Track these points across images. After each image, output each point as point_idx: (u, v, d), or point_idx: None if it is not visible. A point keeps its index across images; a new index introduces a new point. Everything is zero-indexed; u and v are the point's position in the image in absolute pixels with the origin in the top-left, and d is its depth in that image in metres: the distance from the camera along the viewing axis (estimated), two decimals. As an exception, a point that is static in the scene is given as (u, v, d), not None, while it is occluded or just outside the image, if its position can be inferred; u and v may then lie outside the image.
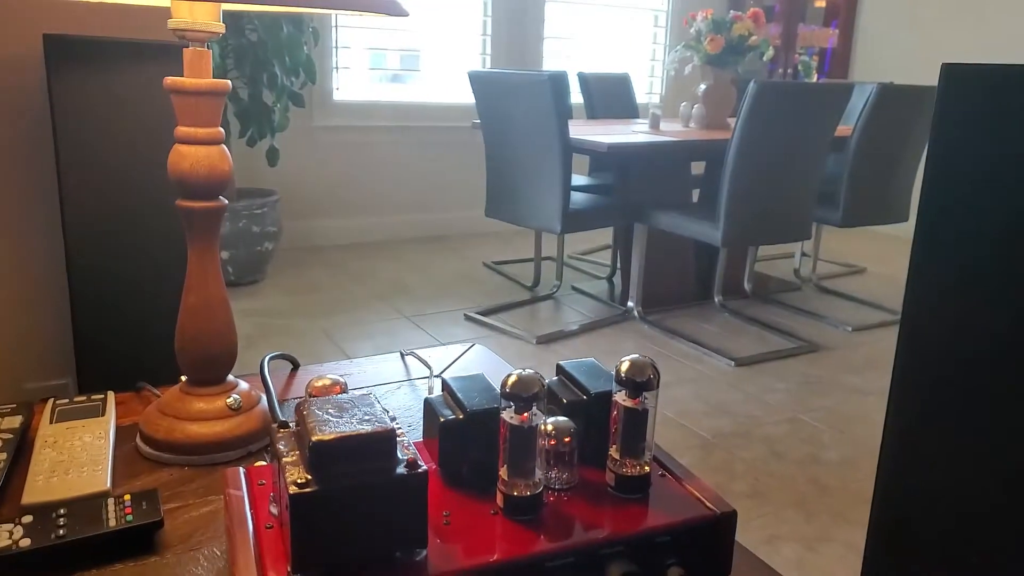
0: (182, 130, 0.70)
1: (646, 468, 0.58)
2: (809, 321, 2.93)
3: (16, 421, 0.75)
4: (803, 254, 3.54)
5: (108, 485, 0.65)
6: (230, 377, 0.77)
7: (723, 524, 0.56)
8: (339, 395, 0.53)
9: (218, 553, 0.59)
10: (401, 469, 0.48)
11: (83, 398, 0.79)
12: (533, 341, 2.63)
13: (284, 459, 0.49)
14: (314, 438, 0.47)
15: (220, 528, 0.62)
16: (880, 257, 3.93)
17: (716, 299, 3.00)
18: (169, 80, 0.69)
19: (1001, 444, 0.71)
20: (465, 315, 2.88)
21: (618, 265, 3.32)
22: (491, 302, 3.03)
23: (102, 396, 0.80)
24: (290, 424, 0.53)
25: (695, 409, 2.20)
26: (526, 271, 3.42)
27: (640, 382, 0.56)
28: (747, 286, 3.18)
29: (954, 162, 0.71)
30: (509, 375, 0.55)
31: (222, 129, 0.72)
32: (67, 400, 0.79)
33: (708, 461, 1.89)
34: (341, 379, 0.62)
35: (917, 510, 0.78)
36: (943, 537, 0.76)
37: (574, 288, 3.26)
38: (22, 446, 0.71)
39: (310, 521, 0.46)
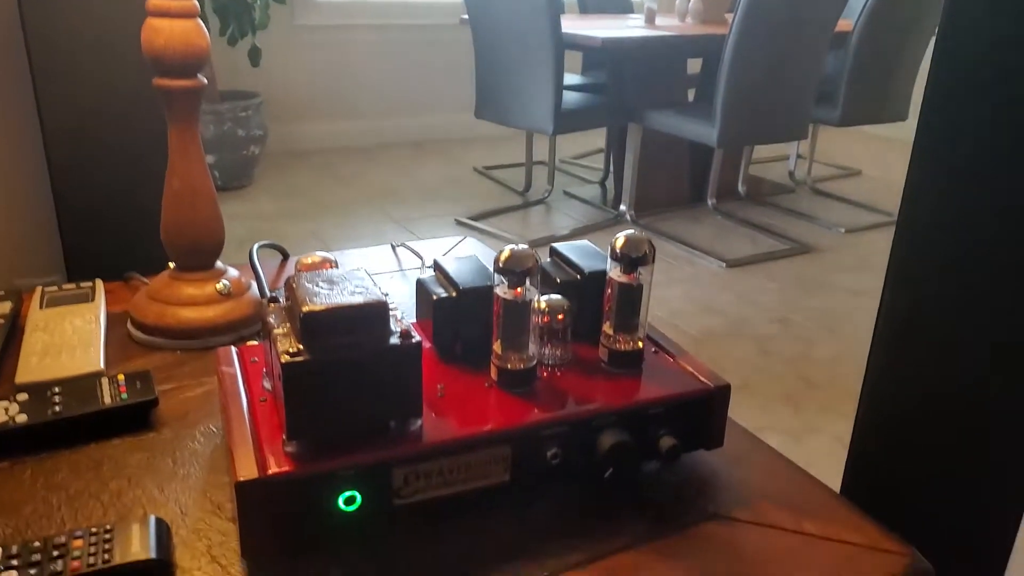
0: (154, 2, 0.66)
1: (639, 344, 0.58)
2: (802, 223, 2.92)
3: (6, 307, 0.74)
4: (798, 156, 3.50)
5: (101, 365, 0.65)
6: (219, 264, 0.76)
7: (717, 398, 0.57)
8: (330, 270, 0.52)
9: (214, 430, 0.60)
10: (394, 340, 0.48)
11: (72, 286, 0.78)
12: (525, 246, 2.61)
13: (275, 331, 0.49)
14: (304, 309, 0.47)
15: (215, 407, 0.63)
16: (875, 160, 3.89)
17: (709, 202, 2.98)
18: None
19: (985, 339, 0.72)
20: (456, 220, 2.86)
21: (611, 169, 3.27)
22: (482, 207, 3.00)
23: (91, 284, 0.79)
24: (280, 299, 0.53)
25: (686, 309, 2.22)
26: (517, 176, 3.37)
27: (635, 257, 0.56)
28: (741, 188, 3.16)
29: (962, 44, 0.68)
30: (502, 250, 0.54)
31: (196, 2, 0.68)
32: (56, 288, 0.78)
33: (698, 359, 1.92)
34: (331, 256, 0.61)
35: (904, 398, 0.79)
36: (929, 425, 0.77)
37: (566, 193, 3.23)
38: (12, 332, 0.71)
39: (303, 390, 0.46)
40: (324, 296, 0.48)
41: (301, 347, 0.46)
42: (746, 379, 1.86)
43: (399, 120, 4.00)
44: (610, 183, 3.30)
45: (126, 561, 0.44)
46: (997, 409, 0.73)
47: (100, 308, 0.74)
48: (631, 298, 0.57)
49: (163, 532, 0.47)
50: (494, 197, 3.17)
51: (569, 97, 2.79)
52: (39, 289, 0.78)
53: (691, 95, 3.16)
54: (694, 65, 3.16)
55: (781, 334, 2.09)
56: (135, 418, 0.60)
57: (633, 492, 0.55)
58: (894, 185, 3.42)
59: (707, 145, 2.59)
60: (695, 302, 2.27)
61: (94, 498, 0.52)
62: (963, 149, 0.70)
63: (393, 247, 0.97)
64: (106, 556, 0.44)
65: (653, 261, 0.56)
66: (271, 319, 0.50)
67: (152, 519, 0.47)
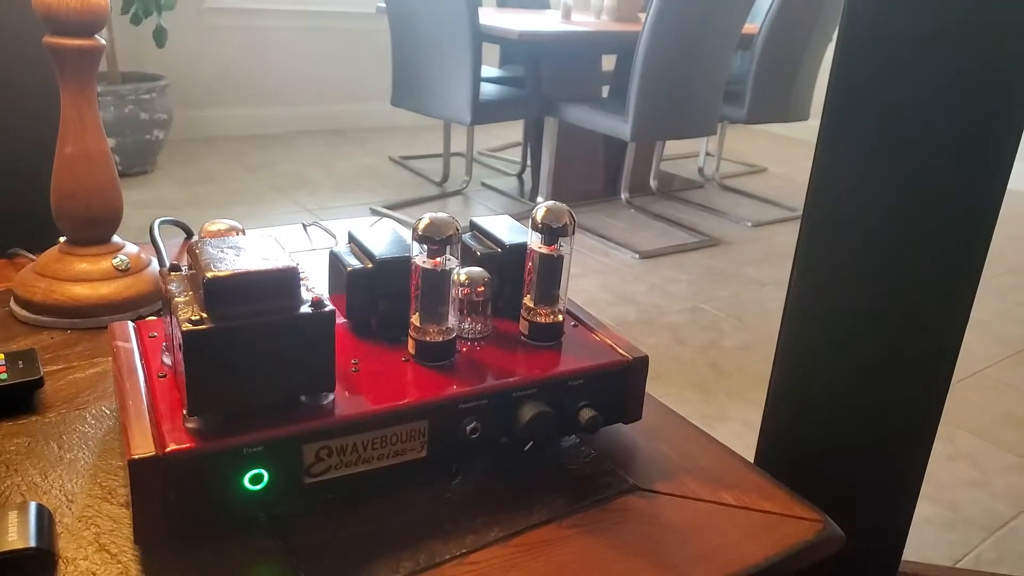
0: (43, -49, 0.61)
1: (559, 317, 0.58)
2: (711, 217, 3.01)
3: None
4: (707, 154, 3.60)
5: (-22, 346, 0.59)
6: (116, 239, 0.71)
7: (635, 370, 0.57)
8: (236, 236, 0.49)
9: (107, 412, 0.56)
10: (305, 308, 0.46)
11: (-55, 263, 0.72)
12: (445, 214, 2.59)
13: (176, 299, 0.45)
14: (208, 274, 0.44)
15: (108, 388, 0.58)
16: (779, 158, 4.05)
17: (623, 196, 3.03)
18: None
19: (881, 319, 0.75)
20: (371, 209, 2.81)
21: (528, 162, 3.28)
22: (398, 197, 2.96)
23: (-32, 261, 0.73)
24: (182, 269, 0.49)
25: (601, 299, 2.25)
26: (434, 167, 3.34)
27: (556, 228, 0.55)
28: (653, 183, 3.23)
29: (860, 48, 0.71)
30: (421, 219, 0.52)
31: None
32: (-74, 265, 0.71)
33: (616, 332, 1.94)
34: (238, 224, 0.57)
35: (811, 375, 0.82)
36: (833, 400, 0.80)
37: (484, 184, 3.22)
38: None
39: (206, 361, 0.43)
40: (230, 262, 0.45)
41: (204, 315, 0.43)
42: (660, 368, 1.89)
43: (314, 108, 3.89)
44: (527, 176, 3.32)
45: (2, 551, 0.40)
46: (893, 384, 0.76)
47: (-21, 285, 0.68)
48: (552, 269, 0.56)
49: (44, 519, 0.43)
50: (411, 187, 3.13)
51: (487, 89, 2.78)
52: (-92, 265, 0.71)
53: (606, 91, 3.20)
54: (608, 62, 3.21)
55: (692, 323, 2.15)
56: (17, 401, 0.55)
57: (553, 465, 0.55)
58: (797, 182, 3.57)
59: (621, 139, 2.63)
60: (610, 292, 2.30)
61: (-32, 485, 0.48)
62: (862, 146, 0.73)
63: (304, 226, 0.94)
64: (-21, 545, 0.40)
65: (573, 232, 0.56)
66: (172, 287, 0.47)
67: (32, 505, 0.43)
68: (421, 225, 0.51)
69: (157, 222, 0.79)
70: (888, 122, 0.71)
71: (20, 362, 0.56)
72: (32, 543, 0.41)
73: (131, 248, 0.71)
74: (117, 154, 2.84)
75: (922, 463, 0.77)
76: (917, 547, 1.35)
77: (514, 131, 3.66)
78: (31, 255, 0.76)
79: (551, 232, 0.55)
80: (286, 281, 0.45)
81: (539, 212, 0.55)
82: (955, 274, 0.71)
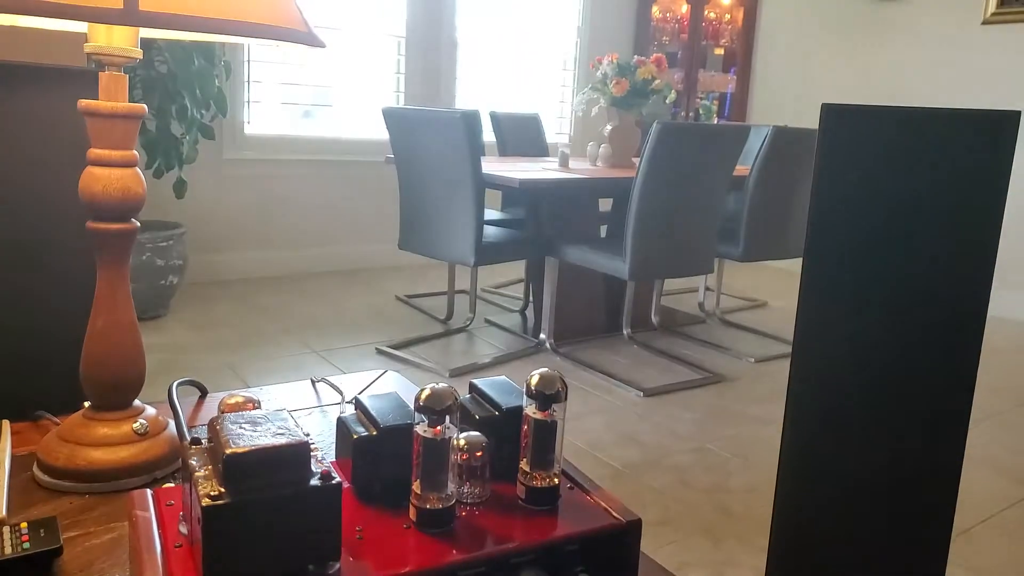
0: (95, 152, 0.69)
1: (555, 480, 0.61)
2: (714, 353, 3.05)
3: (-102, 452, 0.70)
4: (707, 288, 3.69)
5: (3, 513, 0.62)
6: (136, 402, 0.75)
7: (629, 532, 0.59)
8: (252, 411, 0.54)
9: (122, 579, 0.58)
10: (315, 481, 0.49)
11: (-26, 428, 0.76)
12: (446, 374, 2.63)
13: (196, 474, 0.49)
14: (228, 451, 0.47)
15: (124, 555, 0.61)
16: (779, 292, 4.14)
17: (625, 331, 3.09)
18: (84, 103, 0.68)
19: (878, 465, 0.78)
20: (377, 348, 2.86)
21: (530, 298, 3.37)
22: (404, 335, 3.02)
23: (-5, 425, 0.77)
24: (202, 441, 0.53)
25: (605, 439, 2.25)
26: (439, 304, 3.43)
27: (549, 394, 0.59)
28: (654, 319, 3.29)
29: (835, 192, 0.78)
30: (423, 389, 0.56)
31: (136, 153, 0.72)
32: (-44, 430, 0.75)
33: (619, 490, 1.93)
34: (254, 397, 0.62)
35: (811, 528, 0.83)
36: (834, 551, 0.81)
37: (487, 321, 3.29)
38: (-95, 478, 0.68)
39: (223, 534, 0.46)
40: (247, 438, 0.49)
41: (223, 490, 0.47)
42: (666, 512, 1.87)
43: (322, 250, 4.04)
44: (530, 312, 3.39)
45: None
46: (894, 532, 0.77)
47: (5, 451, 0.72)
48: (546, 434, 0.60)
49: None
50: (417, 325, 3.20)
51: (489, 231, 2.91)
52: (-61, 430, 0.75)
53: (604, 231, 3.34)
54: (605, 204, 3.36)
55: (699, 464, 2.14)
56: (37, 569, 0.57)
57: (551, 631, 0.56)
58: (796, 317, 3.63)
59: (620, 278, 2.72)
60: (614, 432, 2.30)
61: (-14, 658, 0.49)
62: (842, 286, 0.78)
63: (313, 382, 0.98)
64: None
65: (566, 398, 0.60)
66: (193, 461, 0.51)
67: None
68: (423, 396, 0.56)
69: (175, 384, 0.83)
70: (865, 263, 0.76)
71: (42, 531, 0.59)
72: None
73: (150, 411, 0.75)
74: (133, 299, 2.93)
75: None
76: None
77: (517, 268, 3.78)
78: (55, 419, 0.80)
79: (544, 398, 0.59)
80: (298, 455, 0.49)
81: (533, 379, 0.60)
82: (947, 407, 0.74)
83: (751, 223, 2.99)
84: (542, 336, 2.98)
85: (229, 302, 3.41)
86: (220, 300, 3.43)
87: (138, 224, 0.73)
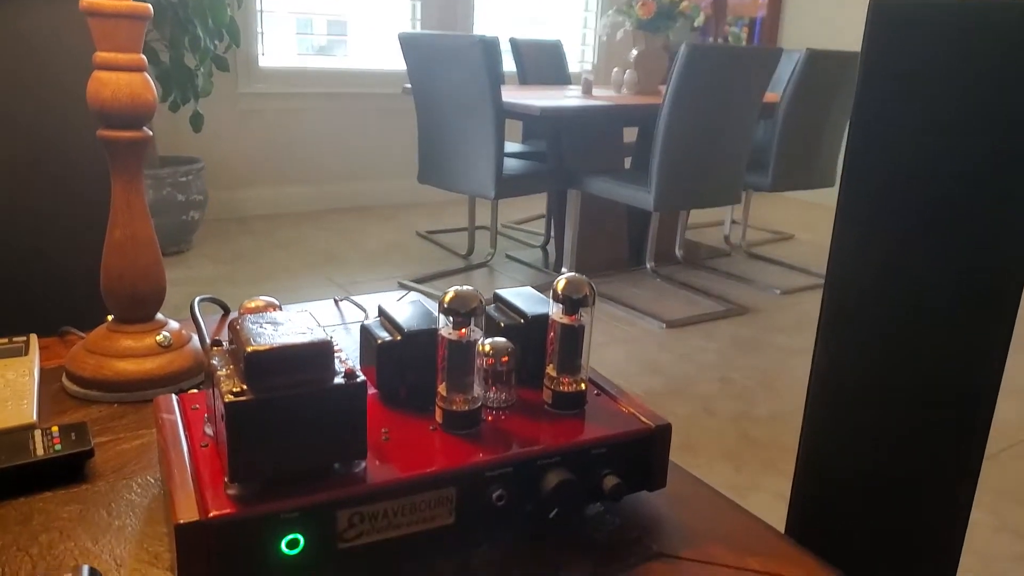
0: (101, 56, 0.67)
1: (582, 386, 0.60)
2: (739, 285, 3.02)
3: (-70, 363, 0.71)
4: (732, 221, 3.64)
5: (34, 418, 0.63)
6: (159, 316, 0.75)
7: (659, 437, 0.58)
8: (274, 312, 0.53)
9: (152, 481, 0.58)
10: (339, 379, 0.48)
11: (4, 340, 0.76)
12: (470, 287, 2.63)
13: (219, 373, 0.48)
14: (249, 349, 0.47)
15: (153, 459, 0.61)
16: (807, 224, 4.07)
17: (648, 265, 3.06)
18: (86, 1, 0.66)
19: (910, 387, 0.76)
20: (399, 283, 2.86)
21: (551, 233, 3.34)
22: (424, 271, 3.02)
23: (24, 338, 0.77)
24: (223, 343, 0.53)
25: (628, 370, 2.25)
26: (460, 240, 3.41)
27: (576, 299, 0.58)
28: (678, 252, 3.26)
29: (880, 107, 0.74)
30: (447, 292, 0.55)
31: (143, 56, 0.70)
32: (-14, 343, 0.76)
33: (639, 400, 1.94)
34: (275, 300, 0.61)
35: (838, 447, 0.82)
36: (862, 471, 0.80)
37: (508, 256, 3.27)
38: (-63, 387, 0.68)
39: (247, 431, 0.46)
40: (269, 336, 0.48)
41: (245, 387, 0.46)
42: (689, 439, 1.88)
43: (342, 186, 4.02)
44: (551, 247, 3.37)
45: (55, 613, 0.42)
46: (925, 451, 0.76)
47: (34, 361, 0.72)
48: (573, 339, 0.58)
49: (96, 583, 0.45)
50: (437, 261, 3.19)
51: (510, 164, 2.87)
52: (-32, 344, 0.75)
53: (628, 163, 3.28)
54: (630, 133, 3.29)
55: (722, 393, 2.14)
56: (69, 471, 0.58)
57: (578, 533, 0.56)
58: (825, 248, 3.58)
59: (644, 210, 2.68)
60: (637, 362, 2.30)
61: (22, 552, 0.50)
62: (882, 213, 0.75)
63: (336, 301, 0.98)
64: (34, 608, 0.42)
65: (593, 303, 0.58)
66: (215, 361, 0.50)
67: (84, 569, 0.46)
68: (447, 298, 0.54)
69: (196, 300, 0.83)
70: (907, 189, 0.73)
71: (73, 434, 0.59)
72: (83, 607, 0.43)
73: (173, 325, 0.75)
74: (156, 234, 2.94)
75: (960, 533, 0.76)
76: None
77: (538, 203, 3.74)
78: (81, 333, 0.81)
79: (571, 303, 0.58)
80: (321, 354, 0.48)
81: (560, 284, 0.58)
82: (985, 339, 0.72)
83: (781, 151, 2.91)
84: (564, 270, 2.96)
85: (250, 237, 3.42)
86: (241, 236, 3.44)
87: (150, 133, 0.71)
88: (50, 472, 0.57)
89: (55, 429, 0.60)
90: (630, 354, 2.35)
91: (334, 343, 0.50)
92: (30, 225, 1.01)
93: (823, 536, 0.83)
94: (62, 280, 0.97)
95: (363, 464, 0.50)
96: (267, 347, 0.47)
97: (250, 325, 0.50)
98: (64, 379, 0.72)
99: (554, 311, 0.59)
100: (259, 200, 3.79)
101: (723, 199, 2.76)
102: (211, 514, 0.44)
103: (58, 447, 0.58)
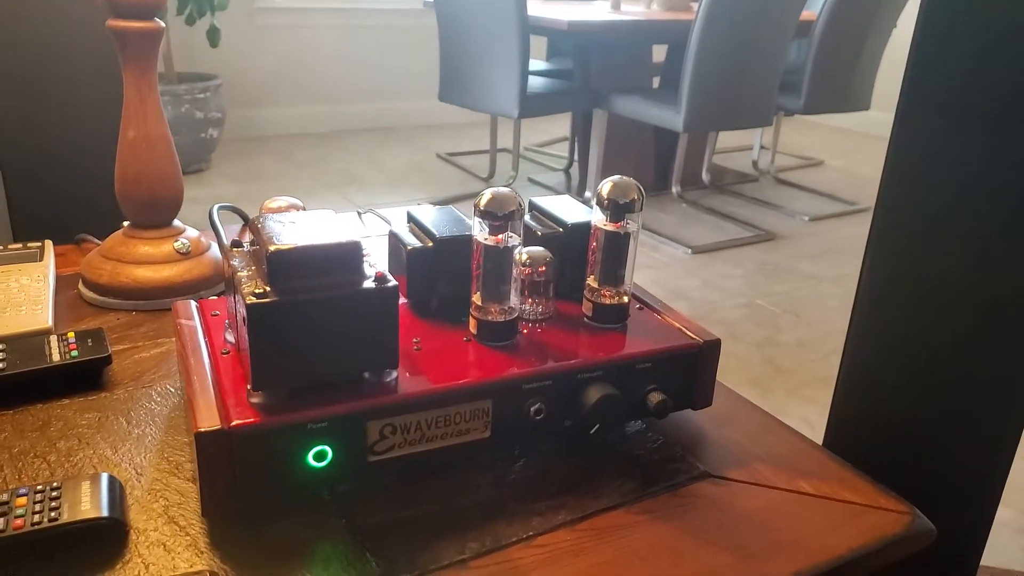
0: (107, -64, 0.62)
1: (625, 298, 0.56)
2: (766, 211, 2.94)
3: (-56, 267, 0.69)
4: (761, 147, 3.53)
5: (50, 323, 0.60)
6: (177, 222, 0.72)
7: (706, 353, 0.54)
8: (297, 212, 0.49)
9: (171, 390, 0.56)
10: (368, 283, 0.45)
11: (18, 245, 0.73)
12: (507, 188, 2.58)
13: (239, 274, 0.45)
14: (272, 247, 0.43)
15: (173, 368, 0.58)
16: (837, 150, 3.94)
17: (674, 190, 2.98)
18: None
19: (962, 302, 0.71)
20: (419, 204, 2.81)
21: (575, 156, 3.26)
22: (445, 193, 2.96)
23: (39, 244, 0.74)
24: (243, 245, 0.49)
25: (653, 294, 2.21)
26: (481, 163, 3.34)
27: (623, 204, 0.53)
28: (705, 177, 3.17)
29: (940, 36, 0.67)
30: (483, 194, 0.51)
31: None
32: (1, 247, 0.73)
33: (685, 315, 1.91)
34: (298, 201, 0.57)
35: (883, 361, 0.78)
36: (909, 385, 0.77)
37: (530, 180, 3.20)
38: (-50, 292, 0.66)
39: (270, 335, 0.42)
40: (293, 235, 0.44)
41: (268, 288, 0.43)
42: (714, 362, 1.85)
43: (362, 106, 3.93)
44: (575, 170, 3.29)
45: (76, 519, 0.40)
46: (974, 372, 0.72)
47: (49, 267, 0.69)
48: (618, 248, 0.54)
49: (116, 490, 0.43)
50: (457, 183, 3.13)
51: (534, 82, 2.76)
52: (-19, 249, 0.73)
53: (656, 83, 3.16)
54: (659, 52, 3.16)
55: (748, 319, 2.10)
56: (86, 377, 0.56)
57: (620, 451, 0.53)
58: (857, 175, 3.47)
59: (672, 132, 2.59)
60: (661, 287, 2.26)
61: (40, 458, 0.48)
62: (942, 130, 0.69)
63: (359, 213, 0.94)
64: (53, 514, 0.40)
65: (641, 209, 0.54)
66: (235, 263, 0.47)
67: (104, 476, 0.43)
68: (483, 200, 0.50)
69: (216, 207, 0.79)
70: (971, 104, 0.67)
71: (89, 340, 0.57)
72: (105, 513, 0.41)
73: (191, 232, 0.72)
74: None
75: (1008, 458, 0.73)
76: (991, 552, 1.29)
77: (561, 126, 3.63)
78: (97, 240, 0.78)
79: (617, 208, 0.53)
80: (350, 255, 0.45)
81: (605, 187, 0.54)
82: None
83: (815, 73, 2.78)
84: (587, 194, 2.89)
85: (269, 157, 3.37)
86: (260, 155, 3.39)
87: (162, 24, 0.66)
88: (67, 378, 0.55)
89: (71, 335, 0.57)
90: (655, 280, 2.31)
91: (363, 246, 0.47)
92: (44, 130, 0.97)
93: (862, 457, 0.80)
94: (79, 187, 0.94)
95: (394, 374, 0.47)
96: (292, 246, 0.43)
97: (273, 224, 0.46)
98: (80, 286, 0.69)
99: (597, 218, 0.54)
100: (278, 119, 3.72)
101: (755, 120, 2.66)
102: (233, 423, 0.42)
103: (74, 353, 0.55)
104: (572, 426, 0.51)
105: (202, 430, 0.41)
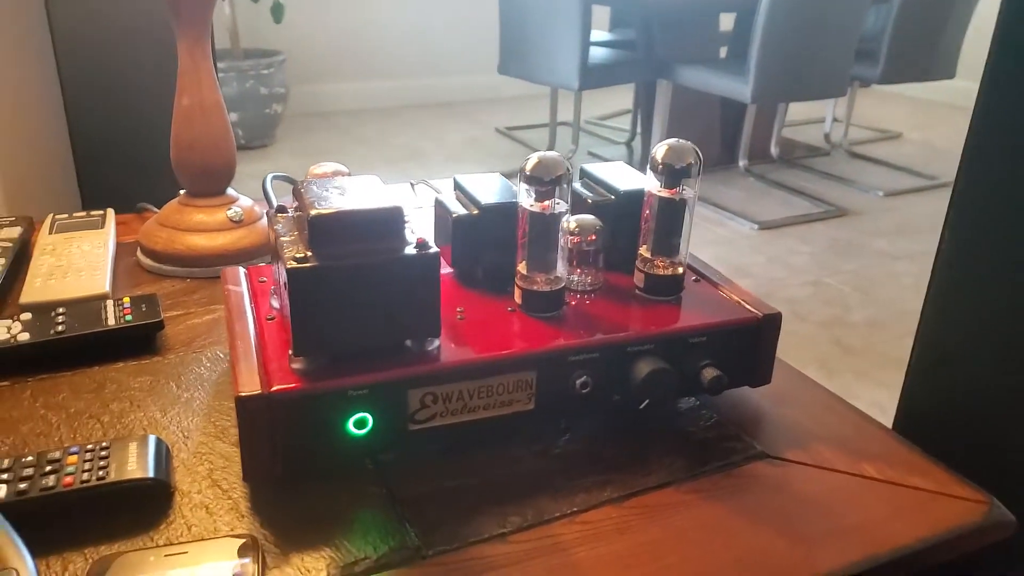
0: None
1: (679, 269, 0.53)
2: (838, 186, 2.83)
3: (15, 232, 0.71)
4: (834, 119, 3.38)
5: (107, 288, 0.62)
6: (231, 191, 0.72)
7: (766, 328, 0.52)
8: (342, 177, 0.48)
9: (221, 355, 0.56)
10: (410, 249, 0.44)
11: (83, 213, 0.75)
12: (555, 153, 2.56)
13: (282, 239, 0.45)
14: (313, 212, 0.42)
15: (223, 334, 0.59)
16: (915, 122, 3.76)
17: (741, 163, 2.89)
18: None
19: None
20: (481, 179, 2.81)
21: (638, 129, 3.19)
22: (504, 167, 2.94)
23: (102, 212, 0.76)
24: (288, 210, 0.48)
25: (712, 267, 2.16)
26: (540, 137, 3.30)
27: (679, 168, 0.51)
28: (774, 150, 3.06)
29: None
30: (529, 157, 0.49)
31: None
32: (67, 215, 0.75)
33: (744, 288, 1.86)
34: (344, 167, 0.56)
35: (959, 344, 0.73)
36: (983, 371, 0.72)
37: (591, 153, 3.15)
38: (21, 255, 0.68)
39: (310, 300, 0.42)
40: (335, 201, 0.44)
41: (309, 253, 0.42)
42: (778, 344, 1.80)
43: (422, 81, 3.93)
44: (637, 144, 3.22)
45: (122, 479, 0.41)
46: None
47: (109, 234, 0.71)
48: (673, 215, 0.52)
49: (163, 452, 0.44)
50: (517, 158, 3.10)
51: (596, 53, 2.71)
52: (50, 216, 0.75)
53: (723, 53, 3.06)
54: (726, 23, 3.05)
55: (814, 297, 2.03)
56: (140, 342, 0.57)
57: (671, 428, 0.51)
58: (936, 148, 3.30)
59: (739, 103, 2.51)
60: (725, 264, 2.20)
61: (94, 418, 0.49)
62: None
63: (412, 184, 0.93)
64: (101, 473, 0.41)
65: (699, 174, 0.51)
66: (278, 227, 0.46)
67: (152, 439, 0.44)
68: (529, 165, 0.48)
69: (269, 176, 0.79)
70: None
71: (143, 306, 0.58)
72: (151, 474, 0.42)
73: (245, 201, 0.72)
74: (239, 127, 2.96)
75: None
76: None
77: (623, 98, 3.56)
78: (156, 209, 0.79)
79: (673, 173, 0.51)
80: (391, 220, 0.44)
81: (659, 151, 0.51)
82: None
83: (895, 40, 2.65)
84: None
85: (332, 132, 3.40)
86: (323, 130, 3.43)
87: (217, -10, 0.66)
88: (121, 342, 0.56)
89: (126, 300, 0.58)
90: (719, 256, 2.25)
91: (405, 212, 0.45)
92: (111, 104, 0.99)
93: (935, 442, 0.76)
94: (143, 157, 0.96)
95: (437, 342, 0.46)
96: (333, 211, 0.42)
97: (316, 189, 0.45)
98: (138, 253, 0.70)
99: (651, 183, 0.52)
100: (341, 95, 3.75)
101: (828, 90, 2.55)
102: (274, 388, 0.41)
103: (128, 318, 0.56)
104: (621, 401, 0.49)
105: (243, 394, 0.40)
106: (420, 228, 0.46)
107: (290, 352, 0.43)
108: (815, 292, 2.05)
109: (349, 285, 0.42)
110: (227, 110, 0.69)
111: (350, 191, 0.45)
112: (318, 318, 0.42)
